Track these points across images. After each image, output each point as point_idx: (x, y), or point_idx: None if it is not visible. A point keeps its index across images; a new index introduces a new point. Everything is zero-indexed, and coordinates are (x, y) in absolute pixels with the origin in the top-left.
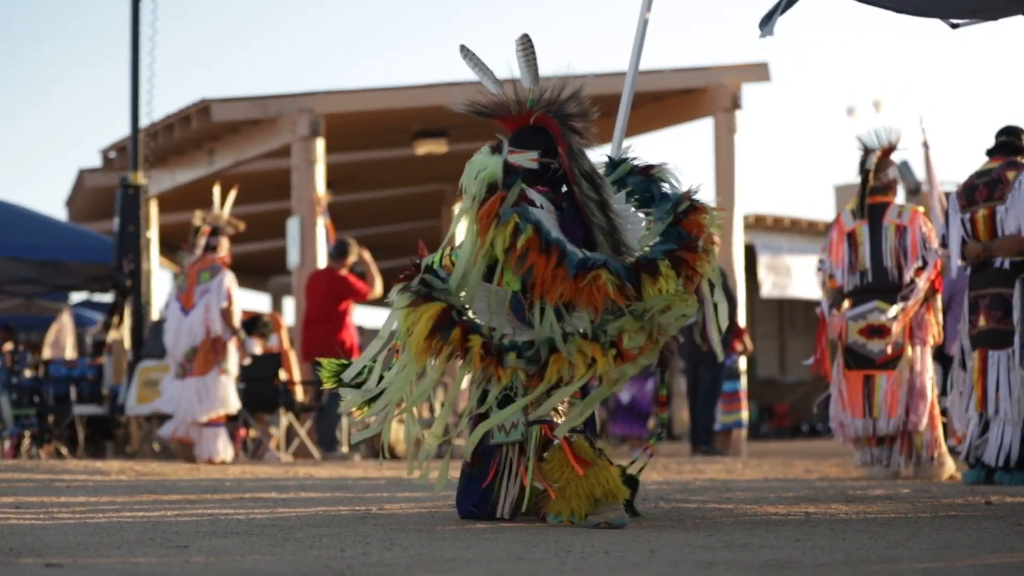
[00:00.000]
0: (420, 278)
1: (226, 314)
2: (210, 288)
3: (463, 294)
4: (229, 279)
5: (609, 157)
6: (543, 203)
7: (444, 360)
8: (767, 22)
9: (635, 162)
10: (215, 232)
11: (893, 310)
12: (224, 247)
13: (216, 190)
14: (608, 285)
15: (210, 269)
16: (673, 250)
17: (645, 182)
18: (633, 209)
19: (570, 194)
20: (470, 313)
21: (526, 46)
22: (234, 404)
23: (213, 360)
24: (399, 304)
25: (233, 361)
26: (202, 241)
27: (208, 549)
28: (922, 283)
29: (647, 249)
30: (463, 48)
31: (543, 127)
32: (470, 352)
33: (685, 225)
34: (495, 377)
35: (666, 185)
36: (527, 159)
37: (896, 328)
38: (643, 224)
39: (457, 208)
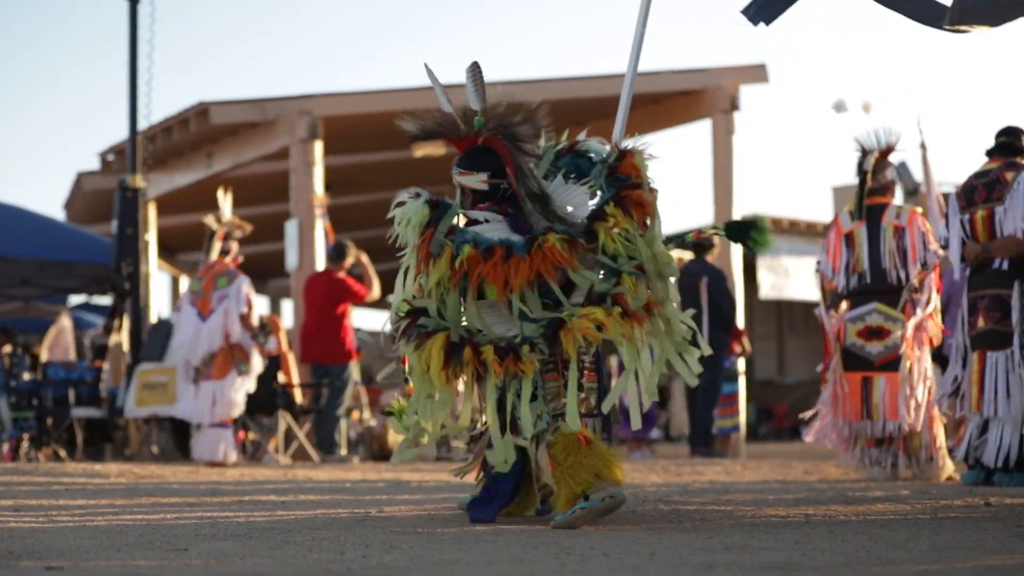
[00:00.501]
0: (415, 323)
1: (245, 319)
2: (228, 293)
3: (462, 322)
4: (247, 284)
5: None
6: (487, 217)
7: (470, 380)
8: (764, 10)
9: (557, 146)
10: (227, 236)
11: (907, 329)
12: (235, 251)
13: (221, 195)
14: (556, 244)
15: (227, 274)
16: (618, 190)
17: (574, 159)
18: (574, 185)
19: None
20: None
21: (475, 72)
22: (240, 407)
23: (231, 365)
24: (407, 351)
25: (256, 363)
26: (218, 245)
27: (207, 552)
28: (926, 293)
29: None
30: (427, 67)
31: (491, 148)
32: (487, 363)
33: (620, 171)
34: (520, 373)
35: (592, 153)
36: (477, 181)
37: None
38: (586, 196)
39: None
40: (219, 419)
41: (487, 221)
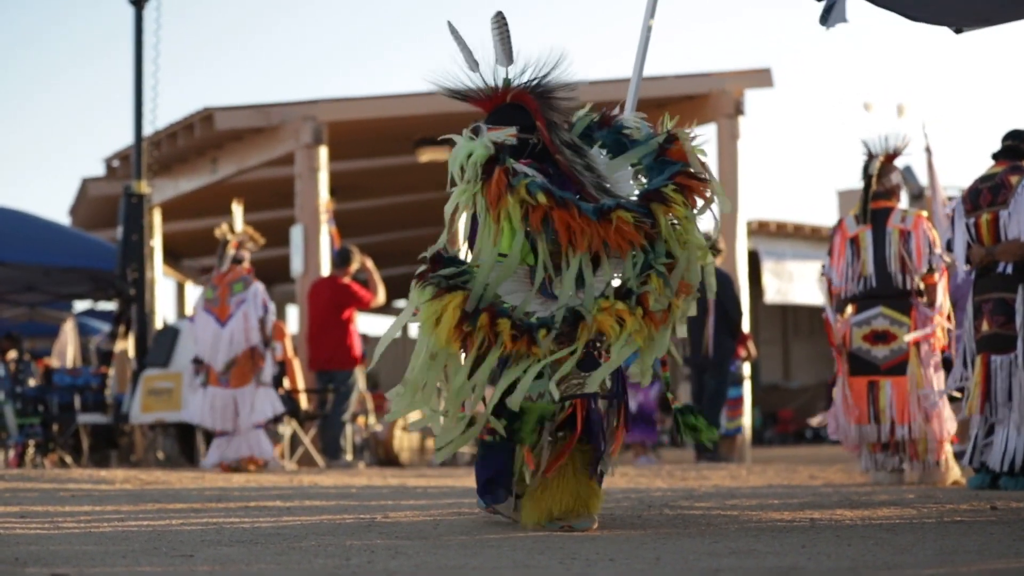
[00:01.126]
0: (439, 272)
1: (262, 324)
2: (246, 298)
3: (487, 281)
4: (263, 289)
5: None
6: (534, 173)
7: (476, 347)
8: (830, 13)
9: (593, 117)
10: (240, 246)
11: (908, 338)
12: (247, 260)
13: (234, 206)
14: (628, 219)
15: (242, 280)
16: (674, 174)
17: (611, 133)
18: (612, 159)
19: (555, 163)
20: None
21: (500, 24)
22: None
23: (251, 372)
24: (422, 297)
25: (268, 372)
26: (231, 253)
27: (213, 558)
28: (940, 298)
29: (645, 184)
30: (450, 25)
31: (520, 104)
32: (500, 336)
33: (671, 154)
34: (530, 355)
35: (629, 130)
36: (506, 135)
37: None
38: (629, 172)
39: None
40: (255, 422)
41: (535, 176)
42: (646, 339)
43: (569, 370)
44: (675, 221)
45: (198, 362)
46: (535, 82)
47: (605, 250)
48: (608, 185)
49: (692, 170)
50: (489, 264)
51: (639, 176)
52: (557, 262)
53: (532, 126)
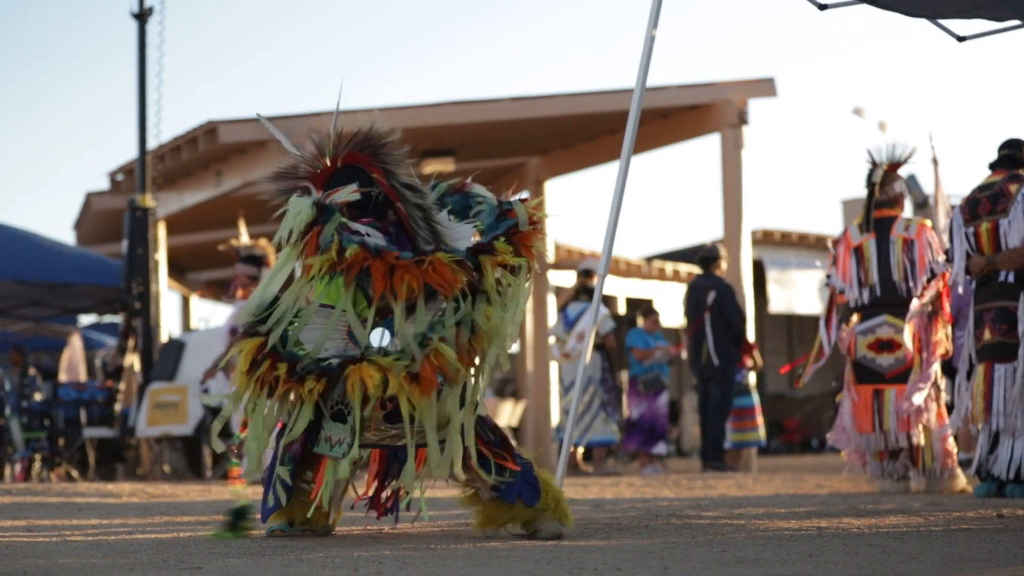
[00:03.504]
0: (247, 319)
1: None
2: None
3: (291, 326)
4: None
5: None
6: (368, 231)
7: (263, 391)
8: None
9: (445, 184)
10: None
11: (907, 340)
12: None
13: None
14: (446, 261)
15: None
16: (506, 231)
17: (462, 198)
18: (457, 221)
19: (396, 218)
20: (302, 343)
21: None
22: None
23: None
24: (235, 344)
25: None
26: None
27: (222, 570)
28: (929, 293)
29: (479, 240)
30: (260, 117)
31: (353, 164)
32: (279, 379)
33: (511, 215)
34: (301, 398)
35: (480, 197)
36: (348, 193)
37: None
38: (471, 232)
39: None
40: None
41: (368, 235)
42: (415, 401)
43: (356, 422)
44: (500, 277)
45: None
46: (360, 138)
47: (430, 298)
48: (441, 229)
49: (524, 225)
50: (283, 310)
51: (478, 234)
52: (387, 313)
53: (370, 180)
